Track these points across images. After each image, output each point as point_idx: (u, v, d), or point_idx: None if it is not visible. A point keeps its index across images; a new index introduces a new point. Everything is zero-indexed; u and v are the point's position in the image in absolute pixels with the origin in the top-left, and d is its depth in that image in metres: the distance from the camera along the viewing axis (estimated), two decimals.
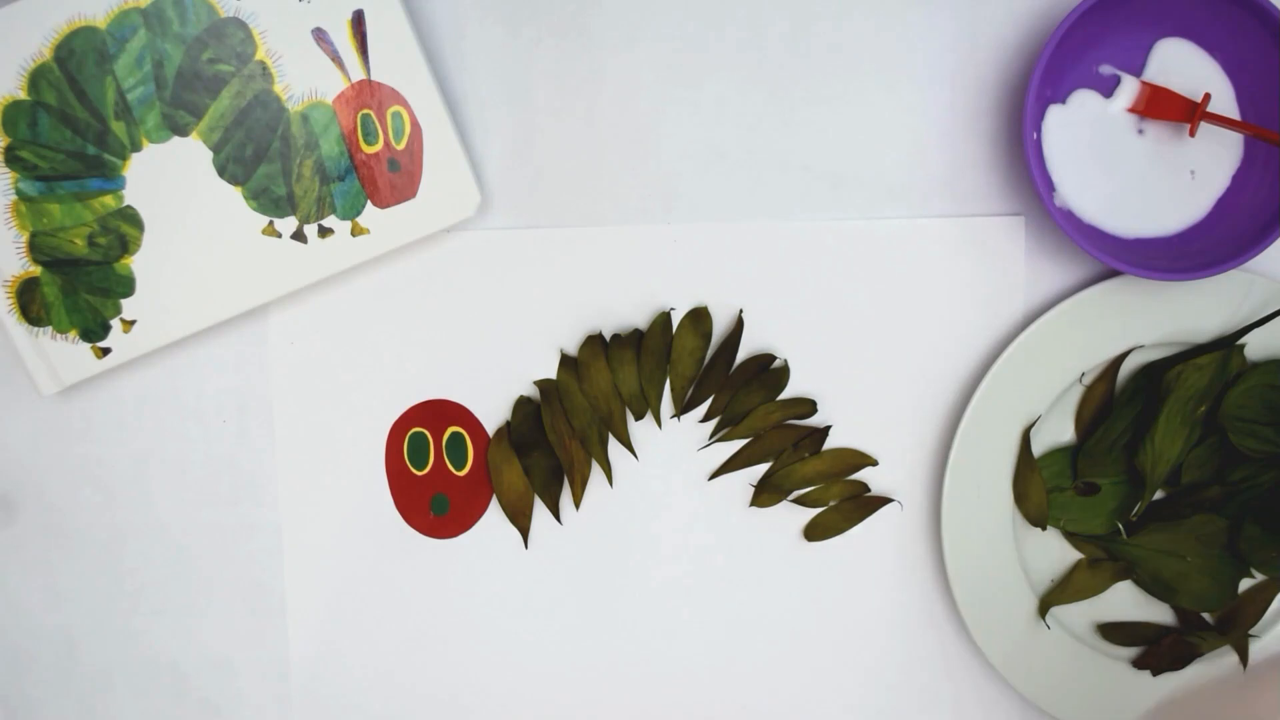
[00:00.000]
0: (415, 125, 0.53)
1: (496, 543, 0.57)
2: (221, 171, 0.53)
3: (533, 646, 0.57)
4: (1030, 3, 0.54)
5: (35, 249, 0.53)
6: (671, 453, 0.56)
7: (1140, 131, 0.53)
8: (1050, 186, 0.52)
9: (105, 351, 0.54)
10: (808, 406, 0.55)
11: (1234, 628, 0.55)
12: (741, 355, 0.56)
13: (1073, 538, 0.56)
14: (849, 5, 0.54)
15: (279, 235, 0.53)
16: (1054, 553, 0.57)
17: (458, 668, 0.58)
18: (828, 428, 0.56)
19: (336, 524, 0.57)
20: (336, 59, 0.52)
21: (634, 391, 0.55)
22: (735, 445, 0.56)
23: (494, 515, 0.57)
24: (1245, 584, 0.56)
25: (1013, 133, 0.55)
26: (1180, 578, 0.55)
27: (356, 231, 0.53)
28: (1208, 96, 0.51)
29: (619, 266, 0.55)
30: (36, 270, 0.53)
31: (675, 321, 0.55)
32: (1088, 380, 0.55)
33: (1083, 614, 0.57)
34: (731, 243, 0.55)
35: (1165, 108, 0.52)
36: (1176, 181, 0.53)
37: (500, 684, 0.58)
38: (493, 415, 0.56)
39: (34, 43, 0.52)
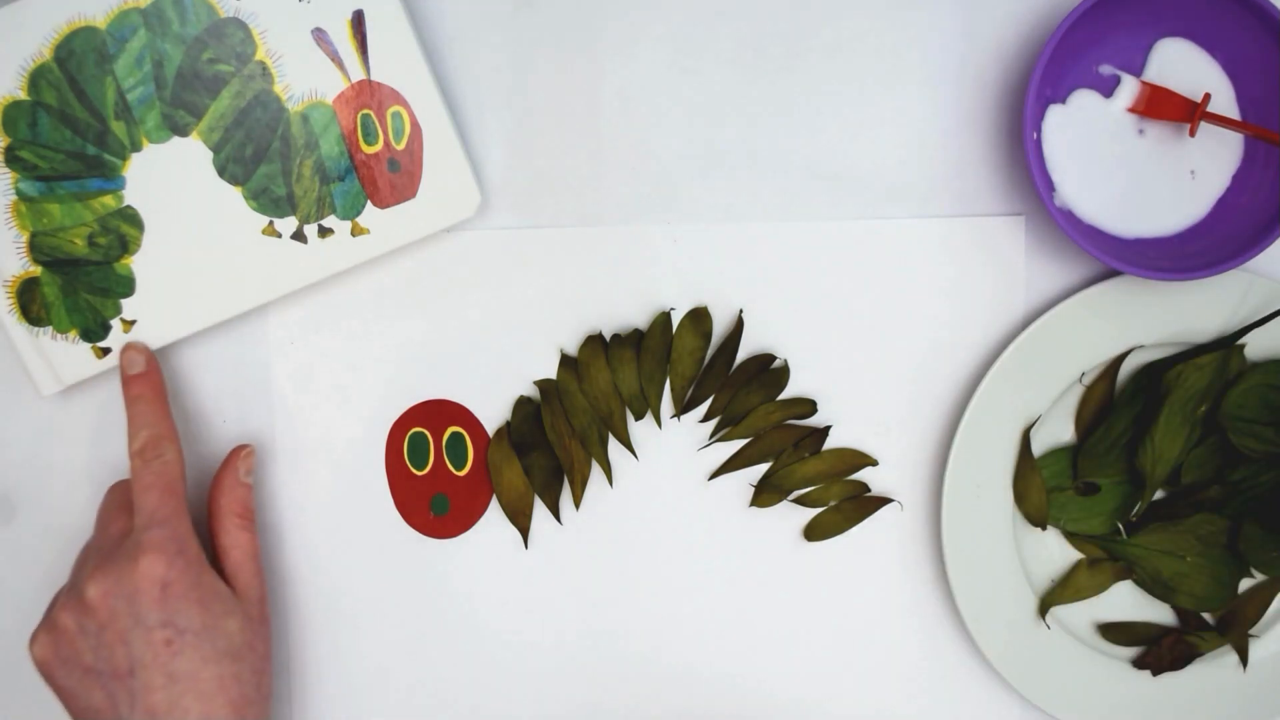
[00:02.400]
0: (415, 125, 0.53)
1: (496, 543, 0.57)
2: (221, 171, 0.53)
3: (533, 646, 0.57)
4: (1030, 3, 0.54)
5: (35, 249, 0.53)
6: (671, 453, 0.56)
7: (1140, 131, 0.53)
8: (1050, 186, 0.52)
9: (105, 351, 0.54)
10: (808, 406, 0.55)
11: (1234, 628, 0.55)
12: (741, 355, 0.56)
13: (1073, 538, 0.56)
14: (849, 5, 0.54)
15: (279, 235, 0.53)
16: (1054, 553, 0.57)
17: (457, 668, 0.57)
18: (828, 428, 0.56)
19: (336, 524, 0.57)
20: (336, 59, 0.52)
21: (634, 391, 0.55)
22: (735, 445, 0.56)
23: (494, 515, 0.57)
24: (1245, 584, 0.56)
25: (1013, 133, 0.55)
26: (1180, 578, 0.55)
27: (356, 231, 0.53)
28: (1208, 96, 0.51)
29: (619, 266, 0.55)
30: (36, 270, 0.53)
31: (675, 321, 0.55)
32: (1088, 380, 0.55)
33: (1083, 614, 0.57)
34: (731, 243, 0.55)
35: (1165, 108, 0.52)
36: (1176, 181, 0.53)
37: (500, 684, 0.58)
38: (493, 415, 0.56)
39: (34, 43, 0.52)
